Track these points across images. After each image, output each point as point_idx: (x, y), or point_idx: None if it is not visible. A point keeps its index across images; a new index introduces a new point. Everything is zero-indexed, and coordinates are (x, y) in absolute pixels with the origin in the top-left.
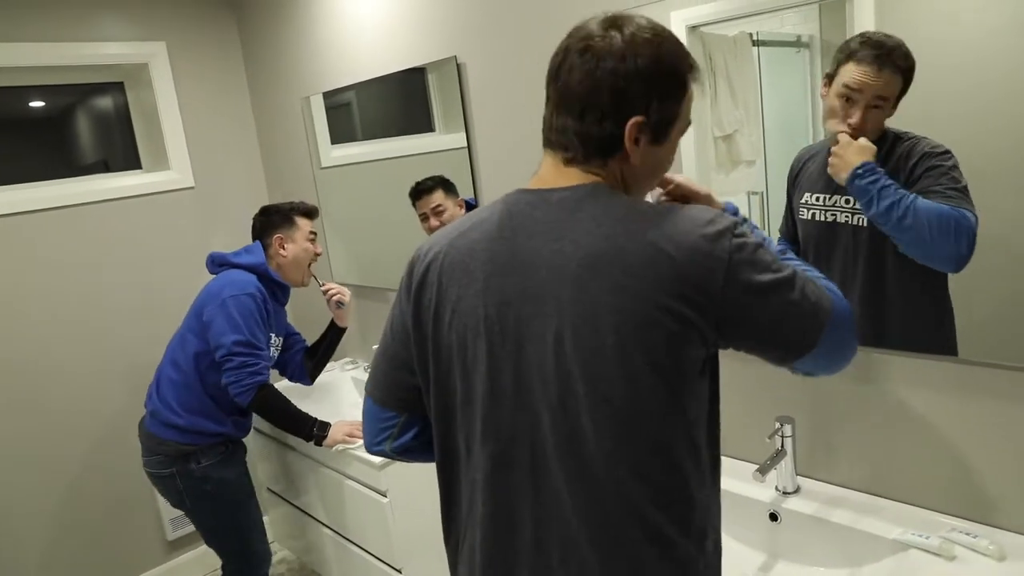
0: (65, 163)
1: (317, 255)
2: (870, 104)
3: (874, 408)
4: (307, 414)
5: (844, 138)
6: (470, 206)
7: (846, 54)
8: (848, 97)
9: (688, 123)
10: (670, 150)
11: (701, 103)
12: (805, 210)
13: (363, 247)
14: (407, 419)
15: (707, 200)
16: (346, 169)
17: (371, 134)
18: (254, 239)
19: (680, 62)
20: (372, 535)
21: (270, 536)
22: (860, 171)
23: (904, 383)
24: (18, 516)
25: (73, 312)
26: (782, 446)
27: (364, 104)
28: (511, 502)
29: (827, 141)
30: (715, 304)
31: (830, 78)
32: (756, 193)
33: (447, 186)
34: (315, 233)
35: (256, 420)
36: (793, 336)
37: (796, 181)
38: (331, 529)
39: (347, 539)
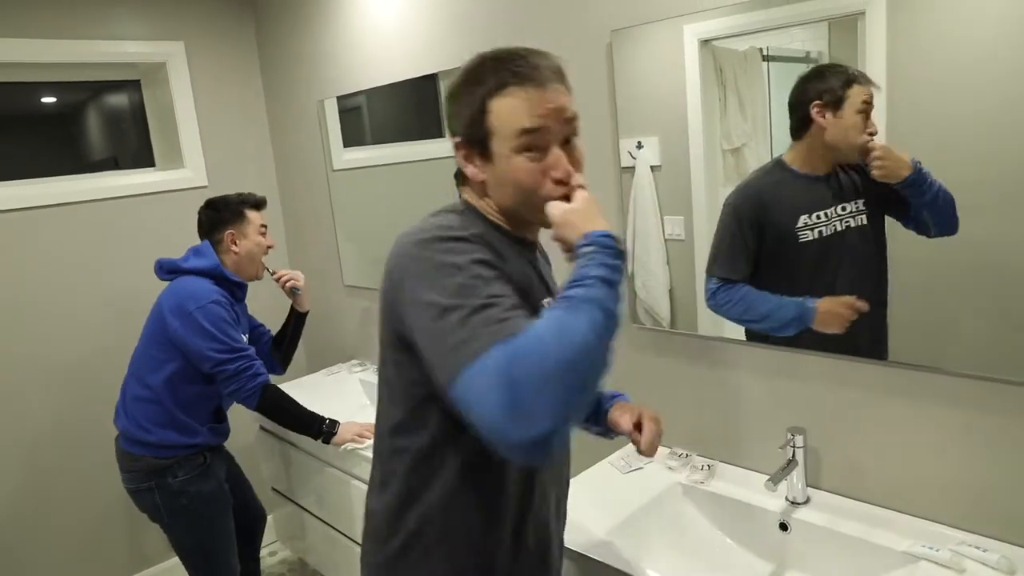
0: (74, 159)
1: (269, 248)
2: None
3: (885, 421)
4: (315, 412)
5: (879, 144)
6: None
7: (845, 81)
8: (866, 112)
9: (522, 132)
10: (514, 166)
11: (711, 115)
12: (808, 232)
13: (374, 250)
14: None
15: None
16: (356, 172)
17: (380, 138)
18: (201, 237)
19: (471, 83)
20: None
21: (272, 536)
22: (918, 164)
23: (915, 397)
24: (28, 516)
25: (82, 307)
26: (793, 456)
27: (375, 108)
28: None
29: (767, 173)
30: None
31: (834, 104)
32: None
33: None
34: (265, 225)
35: (262, 419)
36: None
37: (767, 218)
38: (335, 529)
39: (351, 539)
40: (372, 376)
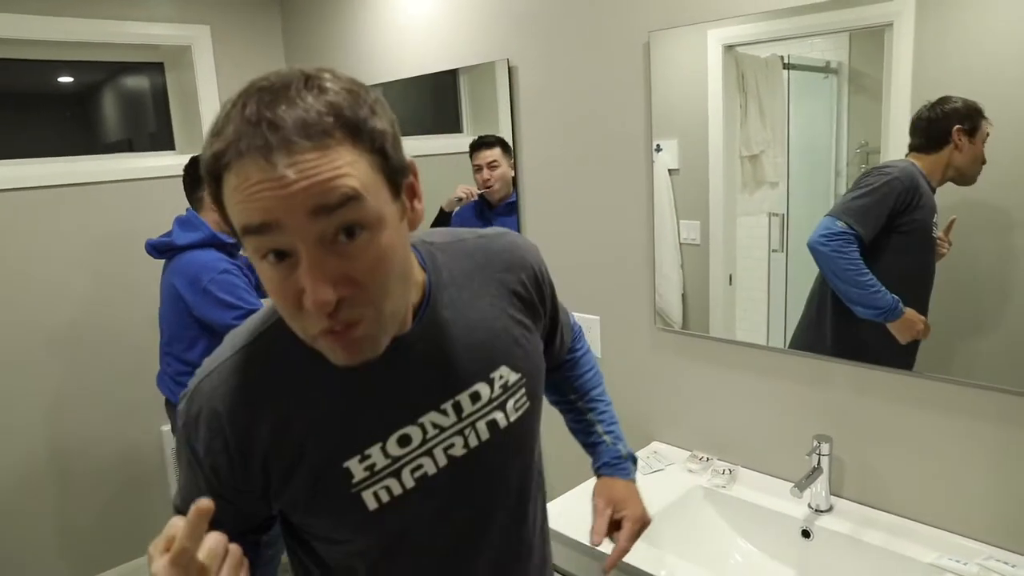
0: (88, 140)
1: None
2: None
3: (911, 431)
4: None
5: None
6: (481, 200)
7: (979, 112)
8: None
9: (244, 231)
10: (263, 275)
11: (731, 121)
12: (935, 228)
13: None
14: None
15: None
16: None
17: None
18: (188, 195)
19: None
20: None
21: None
22: None
23: (945, 409)
24: (33, 488)
25: (99, 287)
26: (819, 463)
27: (393, 101)
28: None
29: (911, 171)
30: None
31: (970, 133)
32: (777, 215)
33: (505, 146)
34: None
35: None
36: None
37: (916, 202)
38: None
39: None
40: None
